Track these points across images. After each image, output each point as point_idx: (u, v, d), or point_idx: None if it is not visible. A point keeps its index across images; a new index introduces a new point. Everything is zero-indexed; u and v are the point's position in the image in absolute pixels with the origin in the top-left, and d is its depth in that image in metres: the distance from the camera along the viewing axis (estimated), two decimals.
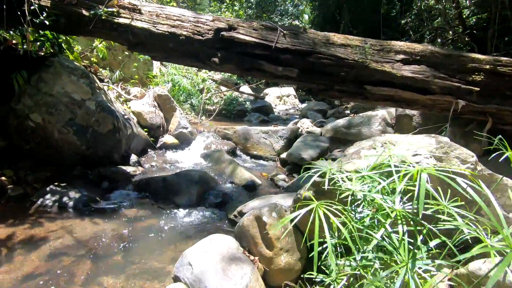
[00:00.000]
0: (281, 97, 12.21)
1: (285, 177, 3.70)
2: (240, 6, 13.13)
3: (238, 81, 9.51)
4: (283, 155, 4.60)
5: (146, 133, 4.35)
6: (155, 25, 2.62)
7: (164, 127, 4.74)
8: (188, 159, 4.24)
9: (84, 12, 2.61)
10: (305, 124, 5.68)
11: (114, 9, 2.62)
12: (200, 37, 2.62)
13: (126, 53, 5.67)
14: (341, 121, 4.94)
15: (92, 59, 4.41)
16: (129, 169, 3.38)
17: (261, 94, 10.10)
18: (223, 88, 8.36)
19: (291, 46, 2.55)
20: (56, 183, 2.90)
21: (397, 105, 2.99)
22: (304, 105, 11.64)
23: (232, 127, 5.00)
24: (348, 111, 8.85)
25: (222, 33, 2.55)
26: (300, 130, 5.16)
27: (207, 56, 2.67)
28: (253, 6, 13.51)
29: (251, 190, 3.37)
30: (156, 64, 6.30)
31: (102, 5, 2.63)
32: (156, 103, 4.71)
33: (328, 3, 12.69)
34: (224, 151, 4.47)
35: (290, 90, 12.59)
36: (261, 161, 4.71)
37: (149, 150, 4.32)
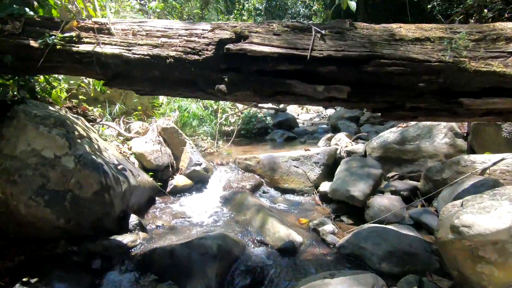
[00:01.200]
0: (303, 105, 11.23)
1: (333, 227, 2.73)
2: (248, 15, 12.44)
3: None
4: (323, 187, 3.63)
5: (152, 177, 3.56)
6: (130, 48, 1.80)
7: (173, 166, 3.93)
8: (205, 206, 3.39)
9: (33, 43, 1.85)
10: (342, 141, 4.68)
11: (73, 33, 1.83)
12: (196, 57, 1.77)
13: None
14: (389, 135, 3.90)
15: (80, 97, 3.71)
16: (126, 238, 2.55)
17: (281, 106, 9.17)
18: (240, 106, 7.54)
19: (336, 51, 1.63)
20: (25, 279, 2.12)
21: (503, 120, 1.97)
22: (330, 111, 10.61)
23: (254, 156, 4.10)
24: None
25: (227, 46, 1.68)
26: (338, 152, 4.17)
27: (209, 83, 1.81)
28: (262, 13, 12.78)
29: (290, 254, 2.43)
30: None
31: (57, 30, 1.85)
32: (161, 139, 3.93)
33: None
34: (248, 191, 3.57)
35: None
36: (295, 197, 3.77)
37: (156, 199, 3.51)
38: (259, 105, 7.49)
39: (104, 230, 2.57)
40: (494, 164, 2.43)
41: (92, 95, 4.30)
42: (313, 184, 3.83)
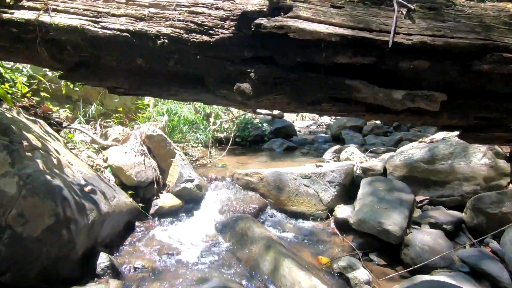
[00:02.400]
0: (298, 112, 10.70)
1: (367, 273, 2.11)
2: None
3: None
4: (340, 213, 3.03)
5: (132, 196, 2.85)
6: (100, 20, 1.14)
7: (159, 182, 3.23)
8: (197, 235, 2.71)
9: None
10: (354, 155, 4.11)
11: None
12: (205, 37, 1.12)
13: None
14: (415, 151, 3.35)
15: (42, 94, 2.97)
16: None
17: (277, 111, 8.59)
18: (234, 110, 6.89)
19: (433, 37, 1.03)
20: None
21: None
22: (328, 119, 10.12)
23: (257, 172, 3.46)
24: (388, 126, 7.26)
25: (257, 21, 1.05)
26: (355, 169, 3.59)
27: (223, 79, 1.17)
28: None
29: None
30: None
31: None
32: (145, 148, 3.22)
33: None
34: (251, 216, 2.92)
35: None
36: (306, 223, 3.14)
37: (136, 224, 2.81)
38: (258, 110, 6.87)
39: (60, 278, 1.85)
40: None
41: (63, 92, 3.54)
42: (326, 208, 3.22)
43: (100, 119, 3.78)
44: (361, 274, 2.09)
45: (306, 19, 1.03)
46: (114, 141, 3.33)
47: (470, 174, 2.98)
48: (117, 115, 4.03)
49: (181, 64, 1.19)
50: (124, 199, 2.64)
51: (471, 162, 3.00)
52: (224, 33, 1.12)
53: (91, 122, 3.75)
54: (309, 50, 1.07)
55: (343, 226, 2.92)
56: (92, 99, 4.25)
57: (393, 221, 2.36)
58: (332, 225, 3.05)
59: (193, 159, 4.37)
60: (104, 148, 3.23)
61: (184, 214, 3.10)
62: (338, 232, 2.89)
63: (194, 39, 1.12)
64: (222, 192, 3.39)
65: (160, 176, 3.26)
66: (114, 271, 2.05)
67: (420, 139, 3.78)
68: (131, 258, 2.30)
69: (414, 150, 3.41)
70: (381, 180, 3.02)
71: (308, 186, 3.33)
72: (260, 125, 6.61)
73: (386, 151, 4.26)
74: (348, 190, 3.29)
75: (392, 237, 2.32)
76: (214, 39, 1.11)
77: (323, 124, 9.60)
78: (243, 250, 2.44)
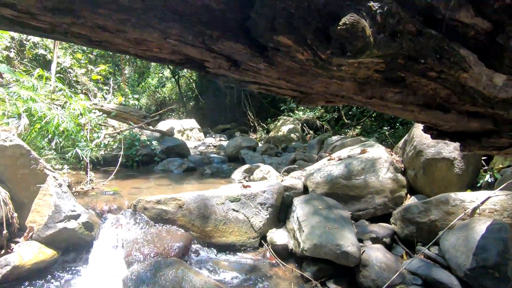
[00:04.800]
0: (183, 131, 9.97)
1: None
2: None
3: (147, 113, 6.82)
4: (276, 238, 2.66)
5: None
6: None
7: (13, 225, 1.95)
8: None
9: None
10: (271, 174, 3.91)
11: None
12: None
13: None
14: (332, 168, 3.45)
15: None
16: None
17: (167, 128, 7.65)
18: (115, 123, 5.58)
19: None
20: None
21: None
22: (209, 140, 9.86)
23: (173, 197, 2.66)
24: (263, 142, 7.64)
25: None
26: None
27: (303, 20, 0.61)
28: None
29: None
30: None
31: None
32: None
33: None
34: (179, 260, 2.12)
35: (192, 122, 10.53)
36: (239, 256, 2.60)
37: None
38: (142, 125, 5.77)
39: None
40: (483, 203, 2.27)
41: None
42: (258, 234, 2.79)
43: None
44: None
45: None
46: None
47: (380, 188, 3.26)
48: None
49: None
50: None
51: (379, 177, 3.30)
52: None
53: None
54: None
55: (283, 253, 2.56)
56: None
57: (350, 242, 2.19)
58: (269, 254, 2.63)
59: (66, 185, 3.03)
60: None
61: (62, 273, 1.95)
62: (280, 262, 2.49)
63: None
64: (124, 229, 2.39)
65: (16, 214, 1.98)
66: None
67: (328, 157, 3.98)
68: None
69: (330, 167, 3.51)
70: (315, 198, 2.88)
71: (237, 211, 2.81)
72: (148, 142, 5.58)
73: (295, 169, 4.28)
74: (282, 213, 2.99)
75: (351, 259, 2.12)
76: None
77: (211, 145, 9.24)
78: None
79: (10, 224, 1.92)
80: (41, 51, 5.55)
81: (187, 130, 10.02)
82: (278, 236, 2.69)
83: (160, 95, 15.90)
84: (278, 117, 11.43)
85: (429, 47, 0.73)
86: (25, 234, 1.99)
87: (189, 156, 6.21)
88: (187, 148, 6.48)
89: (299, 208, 2.74)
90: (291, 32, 0.63)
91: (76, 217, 2.14)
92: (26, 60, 5.13)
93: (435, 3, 0.70)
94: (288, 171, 4.20)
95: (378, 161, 3.37)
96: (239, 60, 0.75)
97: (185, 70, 13.96)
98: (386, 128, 7.57)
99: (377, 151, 3.54)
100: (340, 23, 0.56)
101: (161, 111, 7.32)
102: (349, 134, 9.09)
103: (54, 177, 2.19)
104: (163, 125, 9.24)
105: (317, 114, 11.40)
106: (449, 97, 0.91)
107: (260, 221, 2.83)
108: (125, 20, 0.64)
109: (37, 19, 0.66)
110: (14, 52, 5.18)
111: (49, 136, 2.73)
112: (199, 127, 10.46)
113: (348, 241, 2.18)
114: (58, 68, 5.38)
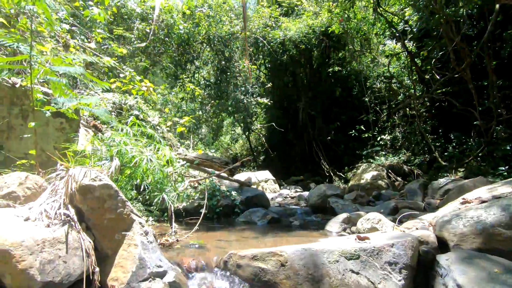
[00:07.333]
0: (258, 183, 9.63)
1: None
2: (197, 84, 11.34)
3: (228, 160, 6.80)
4: None
5: None
6: None
7: (93, 281, 1.58)
8: None
9: None
10: (384, 224, 3.04)
11: None
12: None
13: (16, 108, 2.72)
14: (481, 214, 2.46)
15: None
16: None
17: (245, 178, 7.38)
18: (195, 173, 5.50)
19: None
20: None
21: None
22: (284, 191, 9.20)
23: (272, 252, 2.07)
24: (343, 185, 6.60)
25: None
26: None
27: None
28: (211, 86, 11.84)
29: None
30: (84, 132, 3.35)
31: None
32: (73, 212, 1.65)
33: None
34: None
35: (266, 174, 10.20)
36: None
37: None
38: (220, 174, 5.57)
39: None
40: None
41: None
42: None
43: None
44: None
45: None
46: (11, 199, 1.68)
47: None
48: (24, 161, 2.38)
49: None
50: None
51: None
52: None
53: None
54: None
55: None
56: None
57: None
58: None
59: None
60: None
61: None
62: None
63: None
64: None
65: (98, 269, 1.63)
66: None
67: (463, 200, 2.96)
68: None
69: (475, 212, 2.52)
70: (478, 257, 1.94)
71: (358, 274, 2.04)
72: (228, 193, 5.26)
73: (413, 217, 3.31)
74: (423, 279, 2.09)
75: None
76: None
77: (288, 196, 8.58)
78: None
79: (90, 283, 1.57)
80: (136, 112, 6.10)
81: (262, 182, 9.65)
82: None
83: (232, 151, 16.50)
84: (357, 165, 10.31)
85: None
86: None
87: (269, 207, 5.66)
88: (267, 199, 5.96)
89: (458, 273, 1.83)
90: None
91: (162, 274, 1.70)
92: (123, 120, 5.60)
93: None
94: (395, 220, 3.25)
95: None
96: None
97: (256, 124, 14.34)
98: (503, 168, 5.93)
99: None
100: None
101: (240, 161, 7.10)
102: (450, 177, 7.50)
103: (140, 223, 1.86)
104: (238, 178, 9.10)
105: (402, 158, 9.95)
106: None
107: None
108: None
109: None
110: (114, 114, 5.76)
111: (137, 181, 2.54)
112: (273, 178, 10.03)
113: None
114: (148, 126, 5.73)
